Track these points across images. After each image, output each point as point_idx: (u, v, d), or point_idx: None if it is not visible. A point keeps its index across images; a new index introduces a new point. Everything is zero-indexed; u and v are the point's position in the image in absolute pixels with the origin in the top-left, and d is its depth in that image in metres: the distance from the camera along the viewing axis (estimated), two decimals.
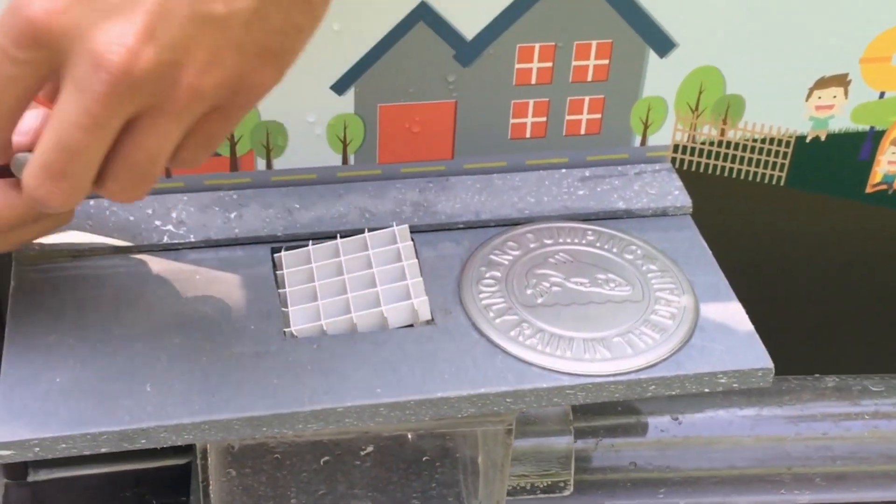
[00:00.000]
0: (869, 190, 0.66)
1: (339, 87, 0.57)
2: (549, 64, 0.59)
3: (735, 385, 0.52)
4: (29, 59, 0.39)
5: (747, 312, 0.55)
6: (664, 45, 0.59)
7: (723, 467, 0.64)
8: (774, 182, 0.65)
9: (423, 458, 0.56)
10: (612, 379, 0.51)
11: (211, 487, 0.52)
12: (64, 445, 0.47)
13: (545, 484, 0.61)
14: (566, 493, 0.61)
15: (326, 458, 0.55)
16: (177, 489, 0.68)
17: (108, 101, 0.38)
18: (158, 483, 0.69)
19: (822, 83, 0.62)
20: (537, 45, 0.58)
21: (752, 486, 0.65)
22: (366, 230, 0.56)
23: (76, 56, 0.38)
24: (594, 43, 0.58)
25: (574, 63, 0.59)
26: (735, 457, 0.64)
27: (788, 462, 0.64)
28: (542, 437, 0.61)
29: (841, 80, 0.62)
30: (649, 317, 0.53)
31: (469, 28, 0.57)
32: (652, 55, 0.59)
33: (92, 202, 0.58)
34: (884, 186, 0.66)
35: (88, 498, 0.68)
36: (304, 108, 0.57)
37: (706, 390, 0.52)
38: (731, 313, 0.54)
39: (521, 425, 0.60)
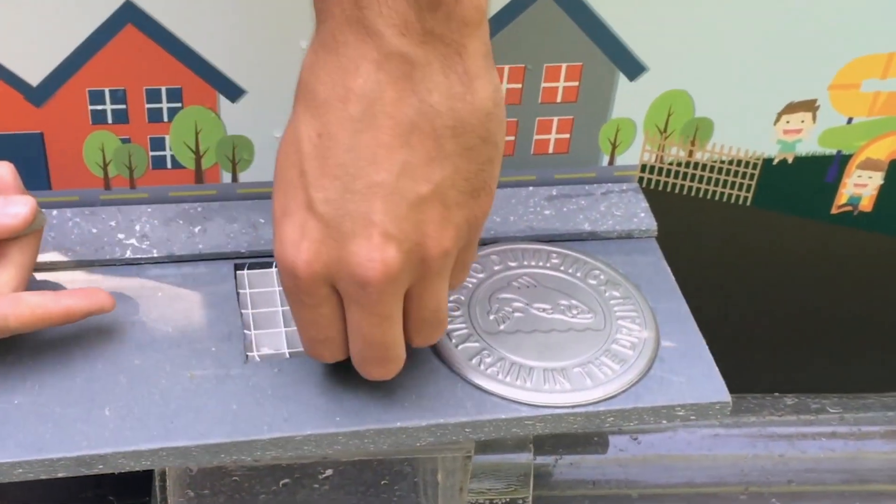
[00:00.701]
0: (834, 211, 0.67)
1: None
2: (519, 85, 0.58)
3: (692, 417, 0.52)
4: (321, 300, 0.46)
5: (710, 331, 0.55)
6: (634, 68, 0.59)
7: (681, 485, 0.65)
8: (741, 202, 0.65)
9: (382, 482, 0.57)
10: (570, 411, 0.51)
11: None
12: (20, 470, 0.47)
13: (504, 500, 0.62)
14: None
15: (285, 480, 0.56)
16: (139, 490, 0.68)
17: (384, 300, 0.45)
18: (120, 484, 0.69)
19: (791, 108, 0.62)
20: (507, 67, 0.58)
21: None
22: None
23: (344, 283, 0.45)
24: (564, 66, 0.58)
25: (543, 84, 0.59)
26: (693, 475, 0.65)
27: (745, 482, 0.65)
28: (502, 454, 0.61)
29: (809, 106, 0.62)
30: (610, 346, 0.54)
31: None
32: (622, 78, 0.59)
33: (55, 212, 0.57)
34: (849, 208, 0.67)
35: (49, 498, 0.68)
36: (271, 123, 0.57)
37: (664, 422, 0.52)
38: (692, 343, 0.54)
39: (481, 442, 0.61)
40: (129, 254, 0.56)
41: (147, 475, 0.67)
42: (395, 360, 0.48)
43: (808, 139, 0.64)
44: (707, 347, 0.54)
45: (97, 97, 0.55)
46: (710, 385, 0.53)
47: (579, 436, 0.64)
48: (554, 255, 0.58)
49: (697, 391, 0.52)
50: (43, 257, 0.55)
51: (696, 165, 0.63)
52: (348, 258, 0.44)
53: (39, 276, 0.54)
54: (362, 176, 0.43)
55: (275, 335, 0.53)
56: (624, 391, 0.52)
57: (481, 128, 0.44)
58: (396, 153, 0.43)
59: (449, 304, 0.55)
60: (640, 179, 0.63)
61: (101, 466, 0.47)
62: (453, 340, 0.53)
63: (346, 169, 0.43)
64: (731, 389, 0.53)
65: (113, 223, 0.57)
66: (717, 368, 0.53)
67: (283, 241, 0.45)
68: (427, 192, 0.44)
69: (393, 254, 0.44)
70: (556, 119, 0.60)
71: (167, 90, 0.56)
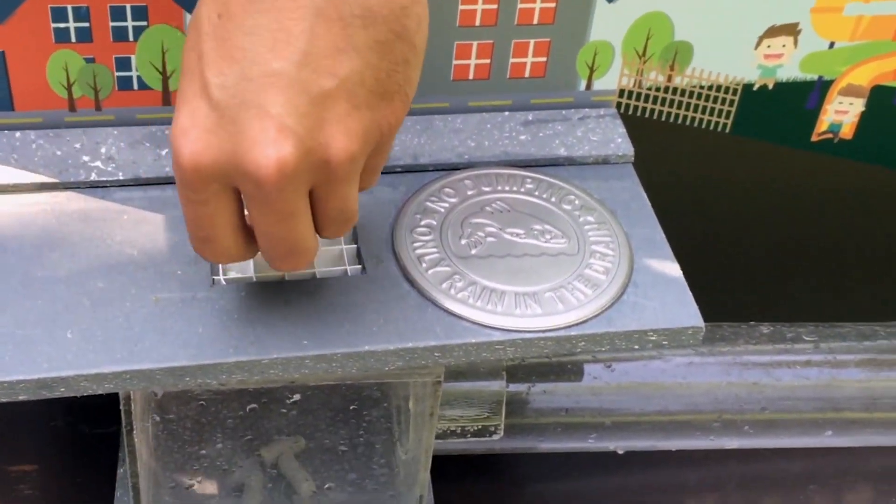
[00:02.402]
0: (814, 138, 0.66)
1: None
2: (494, 6, 0.57)
3: (665, 343, 0.52)
4: (207, 196, 0.43)
5: (687, 259, 0.55)
6: None
7: (654, 413, 0.64)
8: (720, 129, 0.64)
9: (351, 407, 0.56)
10: (541, 335, 0.50)
11: (135, 432, 0.52)
12: None
13: (476, 428, 0.61)
14: (496, 437, 0.62)
15: (252, 405, 0.55)
16: (110, 417, 0.68)
17: (282, 199, 0.42)
18: (91, 411, 0.69)
19: (772, 32, 0.61)
20: None
21: (682, 432, 0.65)
22: None
23: (238, 180, 0.42)
24: None
25: (520, 5, 0.57)
26: (667, 403, 0.64)
27: (719, 409, 0.65)
28: (475, 382, 0.61)
29: (791, 30, 0.61)
30: (583, 271, 0.53)
31: None
32: (600, 0, 0.58)
33: (18, 133, 0.56)
34: (829, 135, 0.66)
35: (16, 427, 0.68)
36: None
37: (636, 347, 0.52)
38: (666, 269, 0.54)
39: (454, 370, 0.60)
40: (94, 176, 0.54)
41: (117, 403, 0.67)
42: (304, 253, 0.45)
43: (789, 64, 0.62)
44: (681, 273, 0.54)
45: (60, 14, 0.54)
46: (683, 310, 0.52)
47: (553, 364, 0.64)
48: (528, 180, 0.57)
49: (670, 316, 0.52)
50: (6, 179, 0.54)
51: (674, 91, 0.62)
52: (241, 153, 0.41)
53: (2, 198, 0.53)
54: (260, 62, 0.40)
55: None
56: (596, 316, 0.51)
57: (395, 22, 0.42)
58: (298, 40, 0.40)
59: (420, 229, 0.54)
60: (618, 105, 0.62)
61: (62, 389, 0.47)
62: (424, 264, 0.52)
63: (244, 53, 0.40)
64: (707, 318, 0.52)
65: (78, 145, 0.56)
66: (690, 294, 0.53)
67: (175, 129, 0.42)
68: (331, 86, 0.41)
69: (289, 150, 0.41)
70: (532, 42, 0.59)
71: (132, 7, 0.54)
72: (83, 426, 0.68)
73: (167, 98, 0.57)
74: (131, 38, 0.55)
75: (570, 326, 0.51)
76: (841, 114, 0.65)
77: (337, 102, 0.42)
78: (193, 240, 0.45)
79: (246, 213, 0.45)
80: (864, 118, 0.65)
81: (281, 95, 0.41)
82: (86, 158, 0.55)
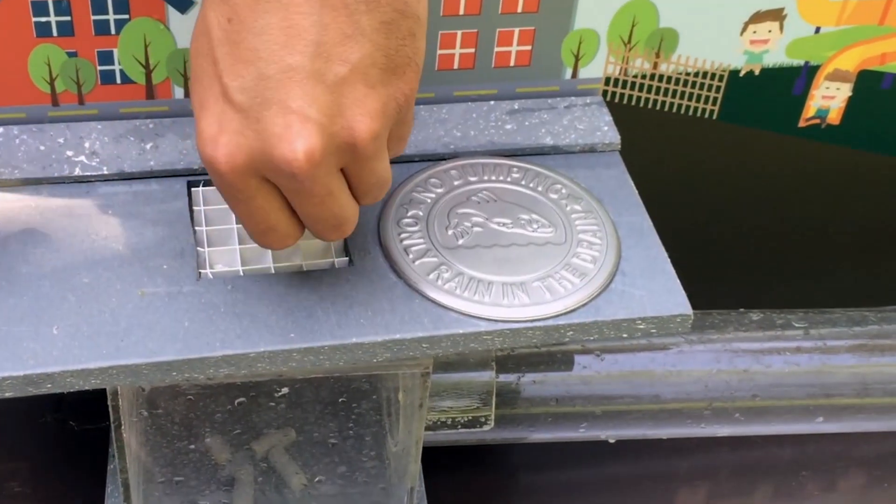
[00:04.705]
0: (802, 124, 0.66)
1: None
2: None
3: (653, 331, 0.52)
4: (252, 192, 0.44)
5: (675, 247, 0.54)
6: None
7: (644, 402, 0.64)
8: (706, 116, 0.64)
9: (340, 400, 0.56)
10: (529, 325, 0.50)
11: (123, 428, 0.52)
12: None
13: (466, 419, 0.61)
14: (486, 427, 0.61)
15: (241, 399, 0.55)
16: (99, 414, 0.68)
17: (318, 183, 0.43)
18: (80, 407, 0.69)
19: (758, 17, 0.61)
20: None
21: (673, 420, 0.65)
22: None
23: (272, 175, 0.43)
24: None
25: None
26: (657, 391, 0.64)
27: (710, 397, 0.65)
28: (464, 373, 0.61)
29: (777, 15, 0.61)
30: (570, 260, 0.53)
31: None
32: None
33: (1, 129, 0.56)
34: (817, 121, 0.66)
35: (5, 423, 0.67)
36: None
37: (625, 336, 0.51)
38: (654, 257, 0.54)
39: (443, 361, 0.60)
40: (78, 171, 0.54)
41: (106, 399, 0.67)
42: (348, 222, 0.46)
43: (776, 50, 0.62)
44: (669, 261, 0.54)
45: (40, 8, 0.53)
46: (672, 298, 0.52)
47: (543, 354, 0.63)
48: (515, 169, 0.57)
49: (658, 304, 0.51)
50: None
51: (660, 78, 0.62)
52: (270, 149, 0.42)
53: None
54: (276, 60, 0.42)
55: (228, 252, 0.52)
56: (584, 305, 0.51)
57: (397, 1, 0.43)
58: (308, 33, 0.42)
59: (406, 220, 0.54)
60: (604, 93, 0.62)
61: (49, 386, 0.46)
62: (410, 255, 0.52)
63: (258, 53, 0.42)
64: (697, 306, 0.52)
65: (61, 140, 0.55)
66: (678, 282, 0.53)
67: (203, 137, 0.43)
68: (345, 72, 0.42)
69: (315, 139, 0.42)
70: (517, 30, 0.59)
71: (113, 1, 0.54)
72: (73, 422, 0.68)
73: (150, 92, 0.57)
74: (113, 32, 0.55)
75: (557, 316, 0.51)
76: (828, 99, 0.65)
77: (353, 86, 0.43)
78: (254, 235, 0.47)
79: None
80: (852, 103, 0.65)
81: (299, 88, 0.42)
82: (70, 153, 0.55)
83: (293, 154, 0.42)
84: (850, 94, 0.64)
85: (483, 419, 0.61)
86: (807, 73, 0.63)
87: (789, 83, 0.64)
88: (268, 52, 0.42)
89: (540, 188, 0.56)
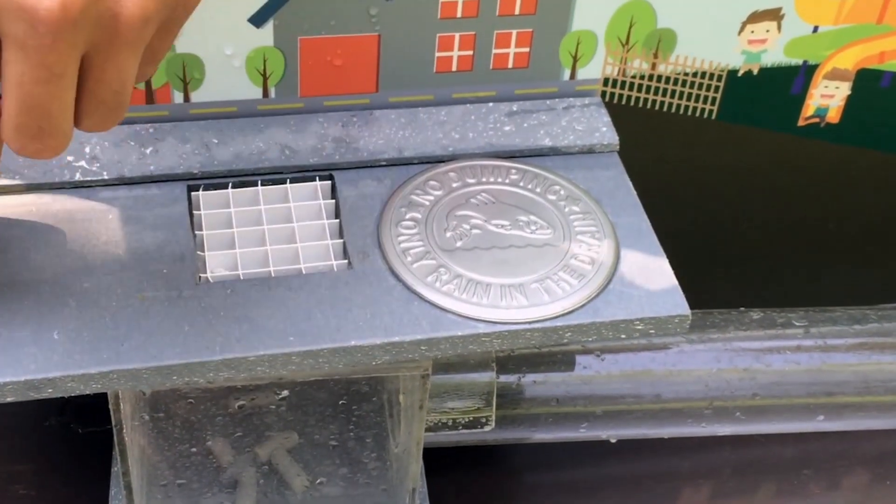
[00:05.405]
0: (801, 123, 0.66)
1: (257, 19, 0.55)
2: None
3: (652, 331, 0.52)
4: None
5: (675, 246, 0.55)
6: None
7: (646, 401, 0.64)
8: (705, 116, 0.64)
9: (340, 402, 0.56)
10: (527, 326, 0.50)
11: (125, 431, 0.52)
12: None
13: (467, 419, 0.61)
14: (488, 428, 0.62)
15: (241, 402, 0.55)
16: (103, 417, 0.68)
17: (57, 49, 0.37)
18: (84, 410, 0.69)
19: (756, 17, 0.61)
20: None
21: (674, 420, 0.65)
22: (287, 181, 0.55)
23: (8, 16, 0.37)
24: None
25: None
26: (658, 391, 0.64)
27: (710, 396, 0.65)
28: (464, 374, 0.61)
29: (774, 15, 0.61)
30: (569, 261, 0.53)
31: None
32: None
33: None
34: (816, 120, 0.66)
35: (9, 426, 0.68)
36: (221, 40, 0.56)
37: (623, 336, 0.52)
38: (652, 258, 0.54)
39: (443, 362, 0.60)
40: (78, 176, 0.54)
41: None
42: (57, 135, 0.40)
43: (774, 49, 0.62)
44: (667, 262, 0.54)
45: None
46: (670, 299, 0.52)
47: (544, 354, 0.63)
48: (513, 171, 0.57)
49: (656, 305, 0.52)
50: None
51: (659, 78, 0.62)
52: None
53: None
54: None
55: (228, 256, 0.52)
56: (582, 306, 0.51)
57: None
58: None
59: (405, 222, 0.54)
60: (603, 94, 0.62)
61: (50, 390, 0.47)
62: (409, 258, 0.52)
63: None
64: (697, 305, 0.52)
65: None
66: (676, 282, 0.53)
67: None
68: None
69: None
70: (514, 32, 0.59)
71: None
72: (77, 425, 0.68)
73: (150, 97, 0.57)
74: None
75: (556, 317, 0.51)
76: (827, 98, 0.65)
77: None
78: (25, 135, 0.39)
79: None
80: (851, 102, 0.65)
81: None
82: (70, 158, 0.55)
83: None
84: (848, 92, 0.64)
85: (484, 420, 0.61)
86: (805, 73, 0.64)
87: (788, 82, 0.64)
88: None
89: (538, 189, 0.56)
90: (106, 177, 0.55)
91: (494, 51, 0.59)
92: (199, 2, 0.42)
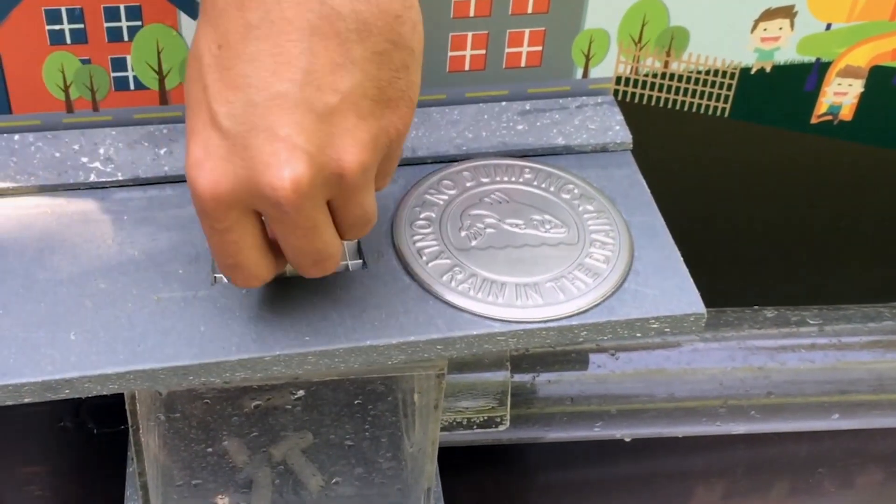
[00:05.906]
0: (814, 121, 0.66)
1: None
2: None
3: (667, 330, 0.52)
4: (230, 223, 0.43)
5: (689, 245, 0.55)
6: None
7: (660, 400, 0.64)
8: (718, 114, 0.64)
9: (356, 402, 0.56)
10: (543, 325, 0.50)
11: (141, 431, 0.52)
12: None
13: (482, 419, 0.61)
14: (502, 427, 0.62)
15: (257, 402, 0.55)
16: (118, 418, 0.68)
17: (302, 215, 0.43)
18: (99, 411, 0.69)
19: (768, 15, 0.61)
20: None
21: (688, 418, 0.65)
22: None
23: (257, 204, 0.43)
24: None
25: None
26: (672, 390, 0.64)
27: (725, 395, 0.65)
28: (479, 373, 0.61)
29: (787, 12, 0.61)
30: (583, 260, 0.53)
31: None
32: None
33: (17, 136, 0.56)
34: (829, 117, 0.66)
35: (25, 428, 0.68)
36: None
37: (638, 335, 0.52)
38: (666, 256, 0.54)
39: (458, 361, 0.60)
40: (93, 177, 0.55)
41: (124, 402, 0.67)
42: (330, 258, 0.46)
43: (787, 47, 0.62)
44: (682, 260, 0.54)
45: (54, 16, 0.54)
46: (685, 297, 0.52)
47: (558, 353, 0.64)
48: (527, 170, 0.57)
49: (671, 303, 0.52)
50: (5, 182, 0.54)
51: (671, 76, 0.62)
52: (256, 177, 0.42)
53: (1, 201, 0.53)
54: (265, 87, 0.41)
55: None
56: (597, 305, 0.51)
57: (390, 31, 0.42)
58: (298, 60, 0.41)
59: (419, 222, 0.54)
60: (616, 92, 0.62)
61: (67, 391, 0.47)
62: (424, 258, 0.52)
63: (247, 80, 0.41)
64: (711, 304, 0.52)
65: (76, 147, 0.56)
66: (691, 281, 0.53)
67: (189, 162, 0.43)
68: (335, 101, 0.42)
69: (303, 169, 0.41)
70: (527, 31, 0.59)
71: (126, 7, 0.54)
72: (92, 426, 0.68)
73: (164, 97, 0.57)
74: (126, 39, 0.55)
75: (571, 316, 0.51)
76: (840, 95, 0.65)
77: (343, 116, 0.42)
78: (222, 267, 0.46)
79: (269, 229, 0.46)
80: (864, 99, 0.65)
81: (288, 116, 0.41)
82: (84, 160, 0.55)
83: (280, 182, 0.41)
84: (862, 89, 0.64)
85: (499, 419, 0.61)
86: (818, 70, 0.63)
87: (801, 80, 0.64)
88: (257, 78, 0.41)
89: (552, 188, 0.56)
90: (120, 178, 0.55)
91: (507, 50, 0.59)
92: (410, 125, 0.45)
